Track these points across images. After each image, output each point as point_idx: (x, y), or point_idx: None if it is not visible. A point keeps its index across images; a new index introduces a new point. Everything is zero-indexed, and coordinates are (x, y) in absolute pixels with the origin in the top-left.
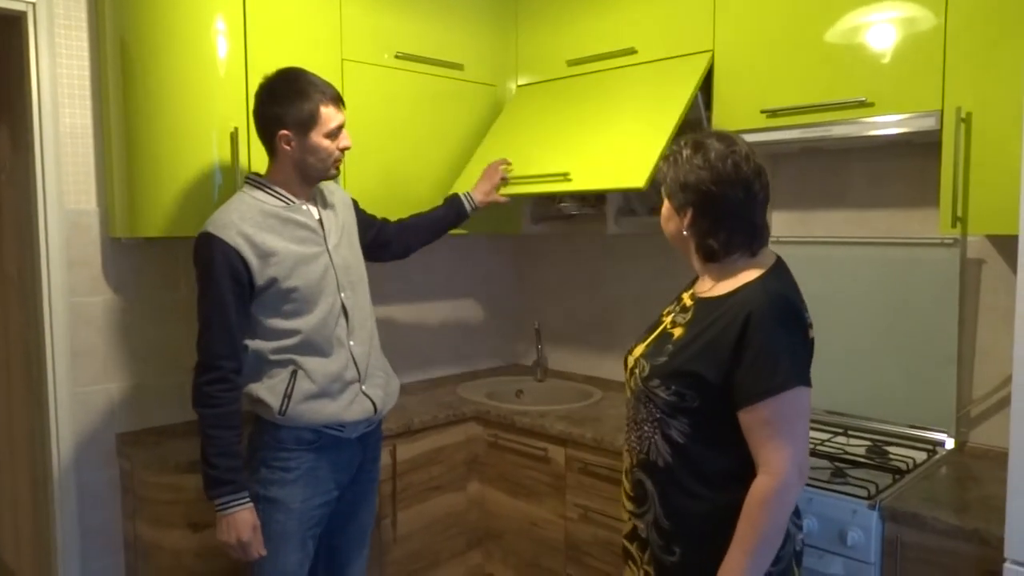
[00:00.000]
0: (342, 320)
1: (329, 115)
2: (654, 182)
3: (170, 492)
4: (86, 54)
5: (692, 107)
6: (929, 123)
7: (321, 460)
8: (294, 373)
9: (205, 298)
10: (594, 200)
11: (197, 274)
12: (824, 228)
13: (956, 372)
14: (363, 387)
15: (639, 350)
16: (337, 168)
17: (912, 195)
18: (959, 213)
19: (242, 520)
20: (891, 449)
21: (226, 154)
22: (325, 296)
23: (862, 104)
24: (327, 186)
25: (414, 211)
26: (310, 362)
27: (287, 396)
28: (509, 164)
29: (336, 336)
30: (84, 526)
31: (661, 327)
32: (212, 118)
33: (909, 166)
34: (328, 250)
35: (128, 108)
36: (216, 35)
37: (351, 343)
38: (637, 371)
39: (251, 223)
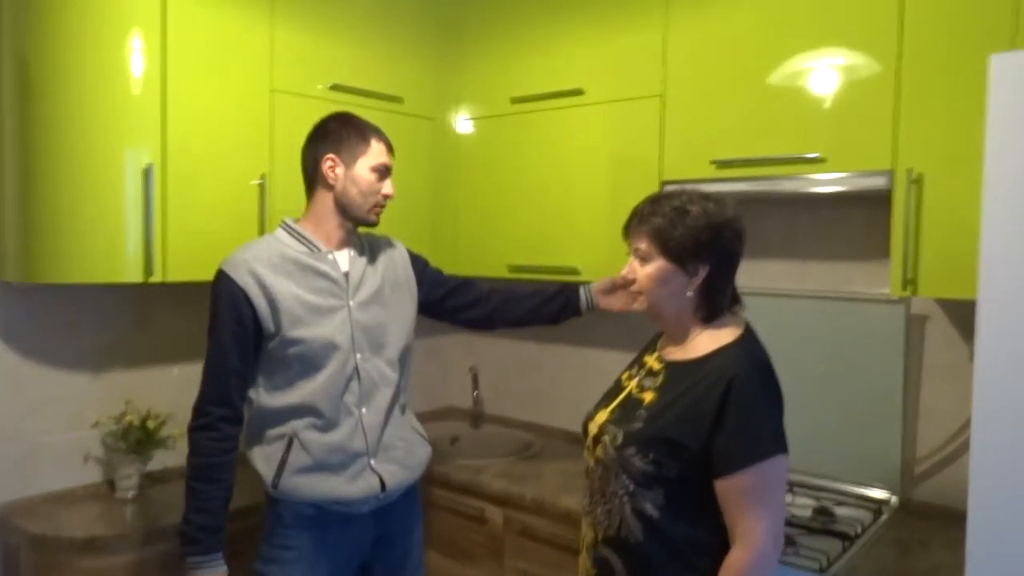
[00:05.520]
0: (354, 384)
1: (380, 150)
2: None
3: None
4: None
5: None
6: (880, 182)
7: (325, 538)
8: (290, 442)
9: (209, 338)
10: None
11: (209, 311)
12: (770, 279)
13: (901, 429)
14: (371, 461)
15: (602, 416)
16: (376, 215)
17: (858, 248)
18: (910, 276)
19: None
20: (838, 510)
21: (138, 193)
22: (336, 356)
23: (813, 160)
24: (381, 240)
25: None
26: (309, 430)
27: (281, 467)
28: None
29: (344, 402)
30: None
31: (625, 392)
32: (123, 149)
33: (856, 218)
34: (349, 305)
35: (26, 137)
36: (130, 52)
37: (363, 411)
38: (607, 439)
39: (266, 264)
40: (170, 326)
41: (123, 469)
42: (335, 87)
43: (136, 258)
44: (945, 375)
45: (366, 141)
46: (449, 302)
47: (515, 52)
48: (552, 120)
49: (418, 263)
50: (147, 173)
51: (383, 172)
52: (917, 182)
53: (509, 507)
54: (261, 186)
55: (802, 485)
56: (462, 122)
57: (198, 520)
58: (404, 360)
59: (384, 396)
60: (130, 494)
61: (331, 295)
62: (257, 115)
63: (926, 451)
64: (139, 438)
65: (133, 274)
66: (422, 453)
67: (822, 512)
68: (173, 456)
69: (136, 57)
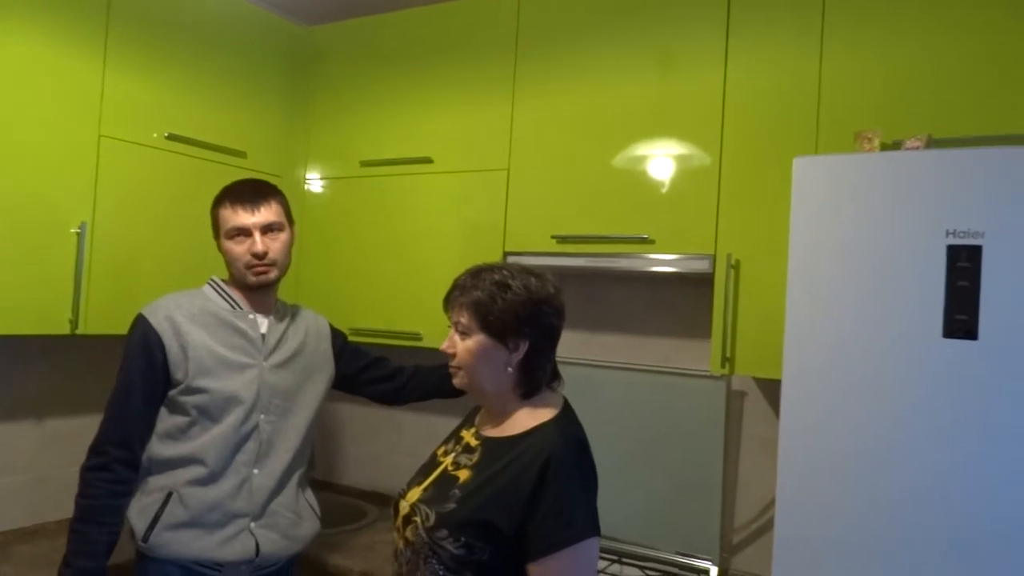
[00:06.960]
0: (251, 444)
1: (225, 217)
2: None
3: None
4: None
5: None
6: (703, 266)
7: None
8: (169, 495)
9: (117, 379)
10: None
11: (123, 354)
12: (609, 352)
13: (720, 499)
14: (252, 524)
15: (414, 494)
16: (257, 275)
17: (688, 326)
18: (728, 354)
19: None
20: None
21: None
22: (236, 411)
23: (644, 240)
24: (305, 312)
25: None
26: (191, 485)
27: (155, 520)
28: None
29: (236, 460)
30: None
31: (440, 468)
32: None
33: (687, 298)
34: (262, 365)
35: None
36: None
37: (255, 471)
38: (418, 519)
39: (185, 313)
40: None
41: None
42: (172, 137)
43: None
44: (761, 448)
45: (215, 214)
46: (366, 374)
47: (366, 116)
48: (401, 185)
49: (338, 339)
50: None
51: (237, 234)
52: (735, 268)
53: None
54: (79, 234)
55: (629, 555)
56: (310, 181)
57: (78, 563)
58: (310, 430)
59: (281, 461)
60: None
61: (244, 353)
62: (81, 160)
63: (743, 521)
64: None
65: None
66: (308, 528)
67: None
68: None
69: None
